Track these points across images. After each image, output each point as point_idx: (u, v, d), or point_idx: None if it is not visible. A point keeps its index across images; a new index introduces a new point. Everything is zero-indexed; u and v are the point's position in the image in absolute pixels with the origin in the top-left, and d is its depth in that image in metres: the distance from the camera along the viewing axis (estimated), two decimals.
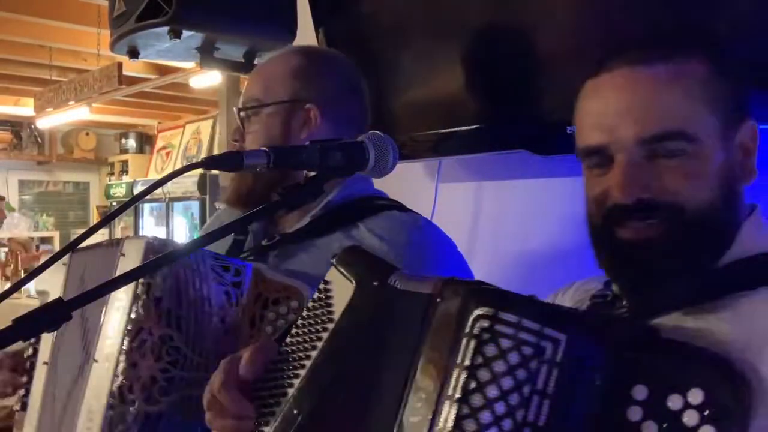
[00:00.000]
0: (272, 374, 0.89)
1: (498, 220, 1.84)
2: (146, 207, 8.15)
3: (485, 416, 0.67)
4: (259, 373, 0.90)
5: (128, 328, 1.16)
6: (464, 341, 0.71)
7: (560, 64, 1.43)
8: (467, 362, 0.70)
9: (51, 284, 1.37)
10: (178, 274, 1.17)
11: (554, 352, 0.69)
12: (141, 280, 1.16)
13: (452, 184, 1.90)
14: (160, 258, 0.98)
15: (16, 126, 9.21)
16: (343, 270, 0.88)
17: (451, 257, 1.34)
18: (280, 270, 1.28)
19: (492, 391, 0.68)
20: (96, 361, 1.19)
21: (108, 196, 8.85)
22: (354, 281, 0.86)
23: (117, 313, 1.19)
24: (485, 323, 0.71)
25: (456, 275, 0.83)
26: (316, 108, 1.33)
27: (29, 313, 0.79)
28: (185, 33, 1.68)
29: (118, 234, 8.40)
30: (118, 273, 1.20)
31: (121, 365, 1.16)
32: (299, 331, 0.88)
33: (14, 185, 9.48)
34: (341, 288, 0.87)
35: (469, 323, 0.71)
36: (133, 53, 1.83)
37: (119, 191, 8.57)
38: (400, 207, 1.38)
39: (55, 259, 1.01)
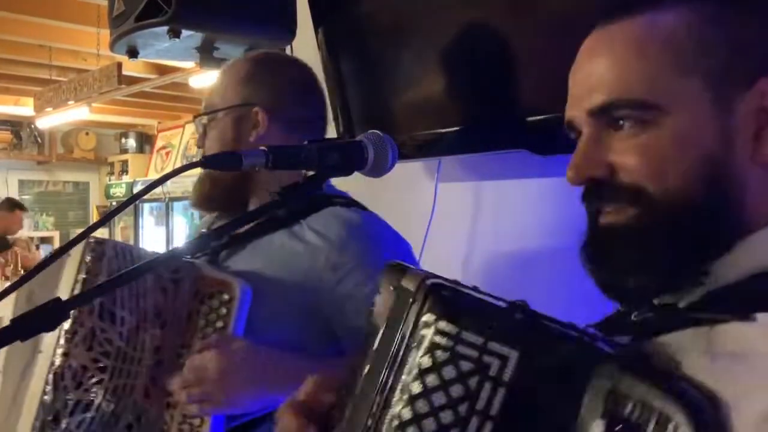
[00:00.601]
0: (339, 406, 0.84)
1: (497, 220, 1.84)
2: (146, 206, 8.17)
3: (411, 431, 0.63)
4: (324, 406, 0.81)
5: None
6: (412, 349, 0.66)
7: (560, 63, 1.43)
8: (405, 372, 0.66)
9: (3, 310, 1.41)
10: (111, 270, 1.25)
11: (501, 369, 0.61)
12: (78, 276, 1.26)
13: (452, 184, 1.89)
14: (143, 265, 0.96)
15: (16, 126, 9.21)
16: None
17: (388, 255, 1.30)
18: (218, 266, 1.35)
19: (421, 406, 0.63)
20: (41, 351, 1.26)
21: (108, 196, 8.86)
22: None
23: None
24: (425, 331, 0.66)
25: None
26: (263, 111, 1.37)
27: (27, 313, 0.79)
28: (185, 33, 1.68)
29: (117, 234, 8.42)
30: (65, 272, 1.29)
31: (57, 354, 1.23)
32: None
33: (14, 185, 9.47)
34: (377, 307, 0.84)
35: (418, 330, 0.67)
36: (133, 53, 1.84)
37: (119, 191, 8.57)
38: (347, 204, 1.38)
39: (56, 257, 1.02)
